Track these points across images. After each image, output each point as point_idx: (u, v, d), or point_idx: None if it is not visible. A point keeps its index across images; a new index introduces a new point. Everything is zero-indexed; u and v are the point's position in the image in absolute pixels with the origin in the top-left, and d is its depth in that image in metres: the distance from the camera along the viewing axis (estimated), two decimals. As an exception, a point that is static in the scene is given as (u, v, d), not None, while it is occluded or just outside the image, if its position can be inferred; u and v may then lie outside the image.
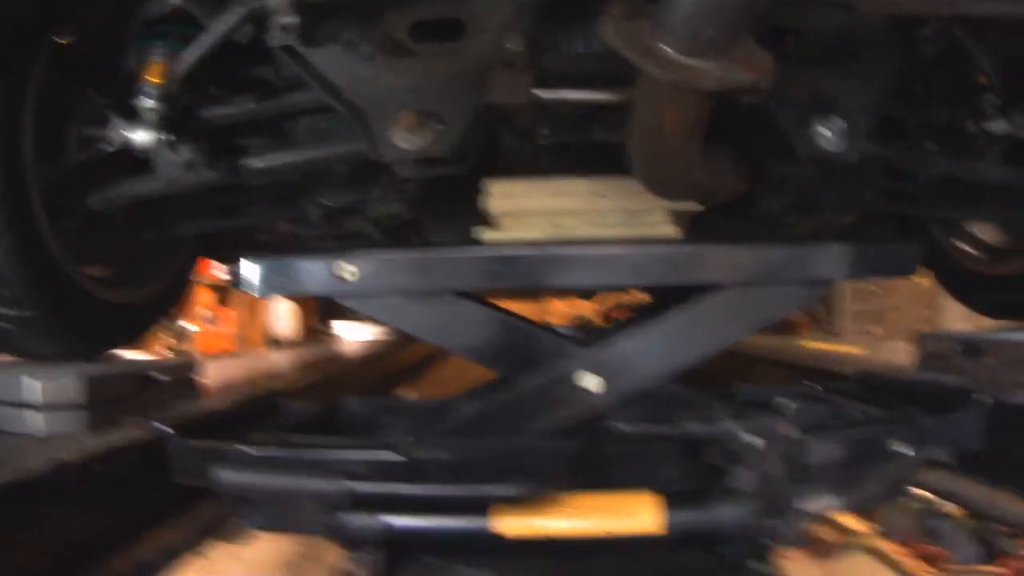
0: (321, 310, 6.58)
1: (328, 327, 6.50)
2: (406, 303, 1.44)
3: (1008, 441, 1.42)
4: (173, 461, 1.34)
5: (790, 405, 1.64)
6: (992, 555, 4.55)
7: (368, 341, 5.21)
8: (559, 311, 8.32)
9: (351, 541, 1.21)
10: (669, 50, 1.04)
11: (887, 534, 4.91)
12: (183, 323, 5.61)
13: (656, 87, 1.18)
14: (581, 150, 1.64)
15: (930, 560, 4.55)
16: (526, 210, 1.63)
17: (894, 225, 2.45)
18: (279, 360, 3.67)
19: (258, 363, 3.24)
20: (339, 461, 1.18)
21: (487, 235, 1.62)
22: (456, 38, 1.46)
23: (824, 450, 1.36)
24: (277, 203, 1.97)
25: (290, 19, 1.32)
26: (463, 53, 1.44)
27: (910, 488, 1.47)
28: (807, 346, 3.70)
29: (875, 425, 1.48)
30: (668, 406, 1.43)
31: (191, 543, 1.43)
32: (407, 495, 1.10)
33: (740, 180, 1.67)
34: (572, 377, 1.42)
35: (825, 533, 5.02)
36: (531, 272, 1.44)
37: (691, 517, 1.27)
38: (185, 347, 5.36)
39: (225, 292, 6.37)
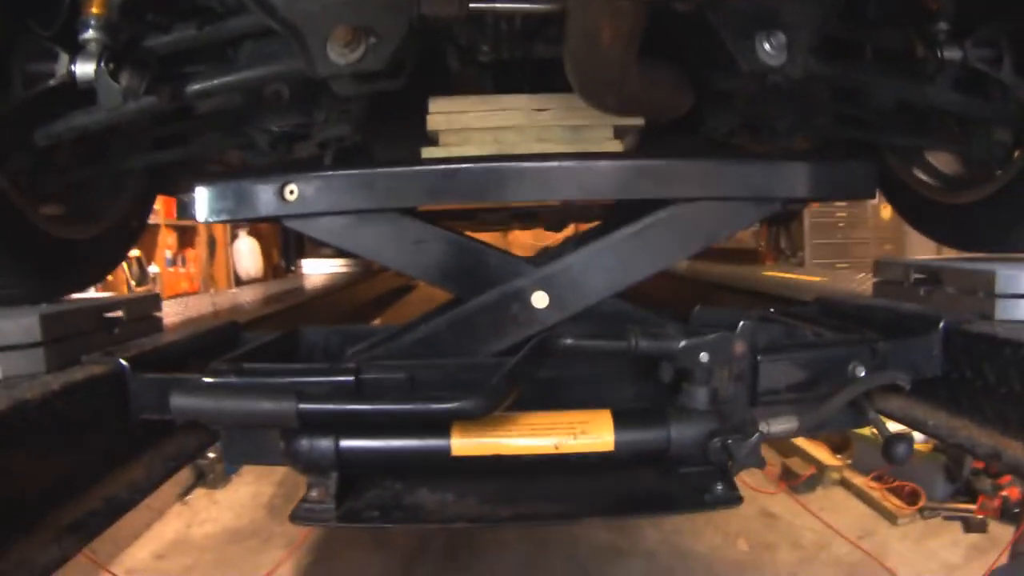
0: (285, 248, 6.53)
1: (294, 264, 6.44)
2: (350, 223, 1.44)
3: (964, 368, 1.41)
4: (132, 395, 1.34)
5: (748, 325, 1.65)
6: (964, 491, 4.72)
7: (332, 273, 5.14)
8: (522, 243, 8.28)
9: (308, 466, 1.21)
10: None
11: (860, 468, 5.07)
12: (148, 267, 5.58)
13: None
14: (524, 67, 1.62)
15: (904, 495, 4.72)
16: (468, 127, 1.61)
17: (849, 153, 2.46)
18: (240, 295, 3.63)
19: (219, 299, 3.19)
20: (289, 384, 1.17)
21: (429, 152, 1.61)
22: None
23: (778, 370, 1.37)
24: (224, 131, 1.94)
25: None
26: None
27: (871, 414, 1.42)
28: (768, 274, 3.72)
29: (830, 347, 1.48)
30: (620, 324, 1.41)
31: (158, 478, 1.42)
32: (353, 412, 1.09)
33: (683, 95, 1.66)
34: (521, 295, 1.44)
35: (799, 466, 5.17)
36: (469, 187, 1.44)
37: (640, 435, 1.27)
38: (149, 289, 5.32)
39: (188, 234, 6.31)
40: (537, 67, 1.58)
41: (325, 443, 1.19)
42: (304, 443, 1.19)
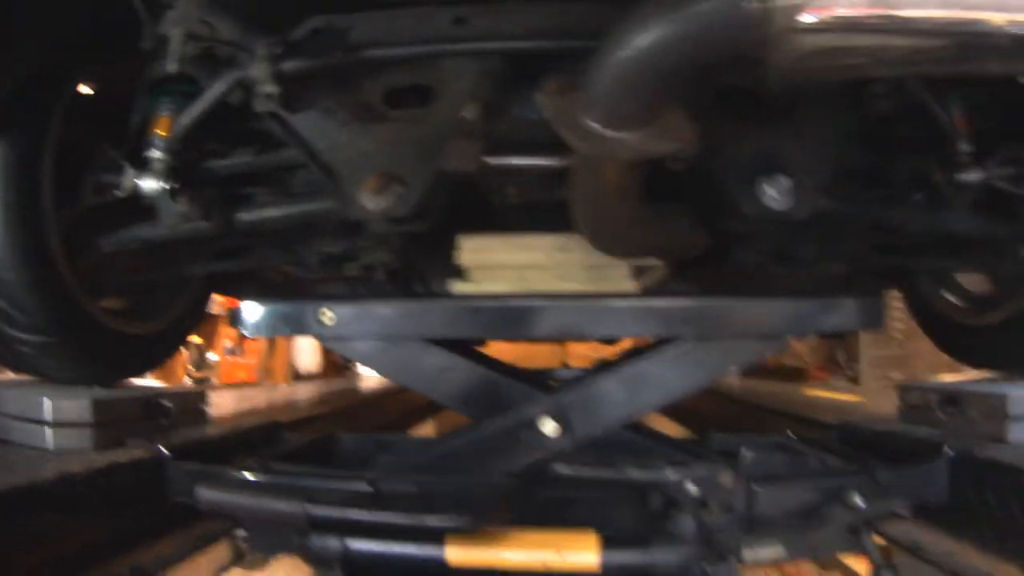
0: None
1: (352, 363, 6.57)
2: (381, 347, 1.57)
3: (969, 493, 1.42)
4: (169, 479, 1.48)
5: (749, 454, 1.61)
6: None
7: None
8: (580, 354, 8.32)
9: (318, 561, 1.32)
10: (593, 123, 1.12)
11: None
12: (207, 354, 5.78)
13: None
14: (549, 209, 1.72)
15: None
16: (494, 263, 1.74)
17: (883, 277, 2.48)
18: (294, 392, 3.76)
19: (273, 394, 3.33)
20: (305, 487, 1.29)
21: (457, 286, 1.73)
22: (425, 103, 1.57)
23: (774, 499, 1.41)
24: (278, 248, 2.12)
25: (271, 88, 1.43)
26: (426, 121, 1.56)
27: (867, 542, 1.42)
28: (808, 392, 3.71)
29: (829, 476, 1.51)
30: (623, 452, 1.51)
31: (184, 554, 1.53)
32: (357, 520, 1.20)
33: (694, 237, 1.73)
34: (532, 421, 1.52)
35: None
36: (492, 322, 1.55)
37: (626, 558, 1.34)
38: (206, 376, 5.50)
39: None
40: (558, 207, 1.70)
41: (334, 543, 1.30)
42: (315, 540, 1.31)
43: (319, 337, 1.59)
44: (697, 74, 1.11)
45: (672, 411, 3.83)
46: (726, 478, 1.37)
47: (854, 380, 7.08)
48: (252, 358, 6.07)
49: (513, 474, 1.39)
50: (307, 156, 1.60)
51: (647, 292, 1.73)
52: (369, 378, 5.19)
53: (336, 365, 6.64)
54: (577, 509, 1.48)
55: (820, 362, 8.28)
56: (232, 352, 6.00)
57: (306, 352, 6.36)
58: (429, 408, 5.31)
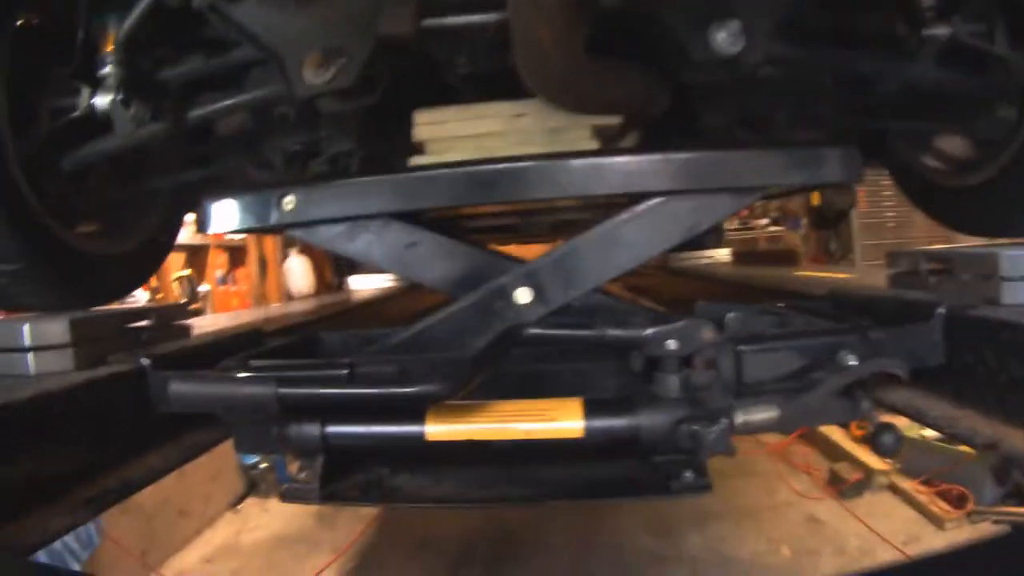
0: (336, 264, 6.69)
1: (344, 281, 6.59)
2: (345, 230, 1.53)
3: (966, 355, 1.36)
4: (152, 390, 1.46)
5: (735, 317, 1.63)
6: (1013, 495, 4.60)
7: (379, 288, 5.23)
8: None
9: (297, 450, 1.32)
10: None
11: (909, 472, 4.98)
12: (200, 286, 5.79)
13: (519, 3, 1.25)
14: (502, 77, 1.67)
15: (952, 500, 4.63)
16: (451, 136, 1.70)
17: (858, 142, 2.45)
18: (281, 308, 3.76)
19: (259, 311, 3.32)
20: (277, 374, 1.27)
21: (414, 160, 1.70)
22: None
23: (762, 360, 1.37)
24: (242, 152, 2.11)
25: None
26: None
27: (864, 405, 1.36)
28: (798, 274, 3.72)
29: (818, 336, 1.44)
30: (602, 317, 1.46)
31: (172, 465, 1.53)
32: (329, 397, 1.18)
33: (652, 91, 1.70)
34: (504, 291, 1.49)
35: (846, 471, 5.11)
36: (445, 191, 1.50)
37: (609, 422, 1.31)
38: (200, 307, 5.53)
39: (239, 254, 6.53)
40: (517, 75, 1.66)
41: (311, 428, 1.29)
42: (293, 429, 1.30)
43: (282, 226, 1.55)
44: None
45: (660, 294, 3.84)
46: (709, 333, 1.33)
47: (848, 266, 7.15)
48: (244, 285, 6.09)
49: (490, 342, 1.36)
50: (249, 43, 1.60)
51: (613, 150, 1.69)
52: (361, 290, 5.18)
53: (330, 285, 6.68)
54: (558, 379, 1.47)
55: (813, 252, 8.34)
56: (224, 281, 6.02)
57: (298, 274, 6.38)
58: (420, 310, 5.34)
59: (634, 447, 1.32)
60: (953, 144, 2.26)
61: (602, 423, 1.31)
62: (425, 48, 1.64)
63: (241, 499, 5.50)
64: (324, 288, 6.75)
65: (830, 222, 7.91)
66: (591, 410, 1.31)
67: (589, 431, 1.30)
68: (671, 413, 1.31)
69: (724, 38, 1.50)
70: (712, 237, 5.48)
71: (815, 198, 7.65)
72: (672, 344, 1.32)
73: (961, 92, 1.89)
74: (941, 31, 1.70)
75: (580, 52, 1.43)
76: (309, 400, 1.20)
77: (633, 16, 1.43)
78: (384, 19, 1.48)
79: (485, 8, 1.51)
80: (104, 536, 3.98)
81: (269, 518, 5.27)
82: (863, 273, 3.19)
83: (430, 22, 1.53)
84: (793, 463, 5.66)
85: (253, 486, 5.55)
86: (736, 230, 8.45)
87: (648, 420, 1.30)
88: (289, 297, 6.24)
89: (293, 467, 1.36)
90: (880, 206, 7.90)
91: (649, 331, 1.32)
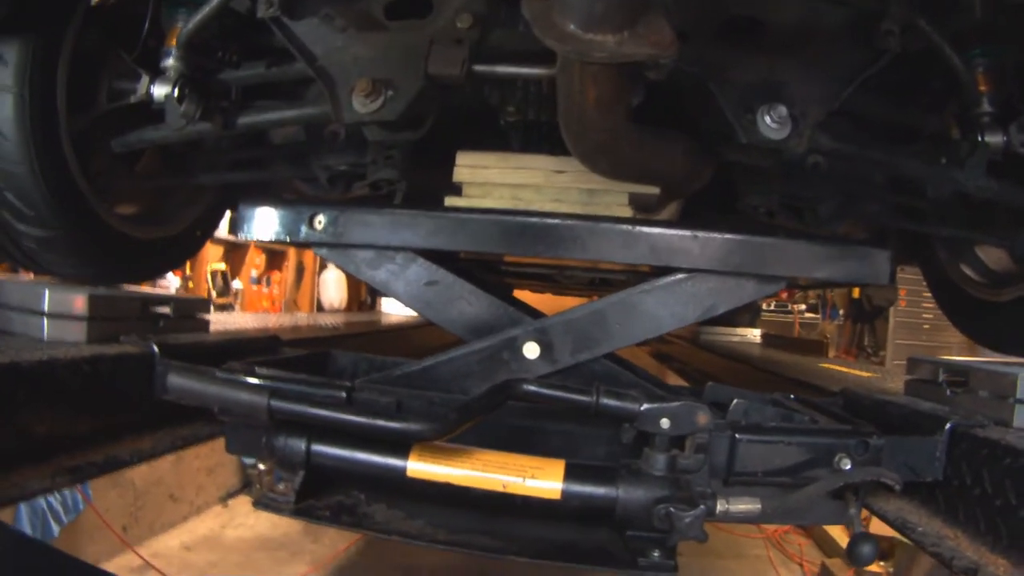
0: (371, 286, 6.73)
1: (376, 302, 6.64)
2: (372, 256, 1.56)
3: (965, 474, 1.33)
4: (156, 378, 1.49)
5: (738, 403, 1.57)
6: None
7: (407, 316, 5.25)
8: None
9: (280, 461, 1.33)
10: (570, 25, 1.10)
11: (899, 576, 4.85)
12: (233, 282, 5.87)
13: (569, 61, 1.25)
14: (548, 129, 1.72)
15: None
16: (489, 181, 1.72)
17: (899, 242, 2.42)
18: (308, 319, 3.80)
19: (286, 319, 3.36)
20: (271, 385, 1.29)
21: (451, 201, 1.73)
22: (423, 16, 1.60)
23: (757, 451, 1.36)
24: (288, 161, 2.16)
25: None
26: (421, 30, 1.59)
27: (852, 511, 1.32)
28: (823, 365, 3.67)
29: (817, 434, 1.42)
30: (602, 383, 1.44)
31: (163, 451, 1.55)
32: (317, 417, 1.20)
33: (695, 165, 1.70)
34: (513, 344, 1.51)
35: (839, 568, 4.99)
36: (477, 237, 1.52)
37: (588, 489, 1.30)
38: (229, 302, 5.60)
39: (278, 257, 6.62)
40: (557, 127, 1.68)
41: (297, 443, 1.30)
42: (280, 440, 1.31)
43: (310, 242, 1.58)
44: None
45: (683, 365, 3.81)
46: (703, 418, 1.32)
47: (880, 365, 7.04)
48: (277, 289, 6.16)
49: (486, 392, 1.36)
50: (304, 61, 1.63)
51: (643, 220, 1.67)
52: (391, 315, 5.21)
53: (363, 303, 6.72)
54: (548, 437, 1.46)
55: (846, 345, 8.25)
56: (257, 281, 6.08)
57: (332, 287, 6.42)
58: (438, 347, 5.34)
59: (609, 518, 1.31)
60: (993, 257, 2.24)
61: (580, 489, 1.30)
62: (476, 92, 1.68)
63: (233, 495, 5.52)
64: (356, 305, 6.80)
65: (867, 316, 7.83)
66: (572, 474, 1.31)
67: (566, 495, 1.29)
68: (651, 491, 1.30)
69: (771, 123, 1.51)
70: (746, 316, 5.45)
71: (856, 291, 7.59)
72: (665, 423, 1.31)
73: (1009, 204, 1.86)
74: (996, 138, 1.67)
75: (622, 118, 1.44)
76: (297, 416, 1.22)
77: (681, 90, 1.44)
78: (435, 59, 1.53)
79: (535, 62, 1.54)
80: (89, 505, 4.04)
81: (256, 518, 5.28)
82: (887, 373, 3.15)
83: (481, 68, 1.57)
84: (787, 552, 5.55)
85: (248, 485, 5.57)
86: (772, 311, 8.38)
87: (627, 493, 1.30)
88: (319, 308, 6.28)
89: (272, 476, 1.38)
90: (919, 306, 7.81)
91: (644, 407, 1.31)
